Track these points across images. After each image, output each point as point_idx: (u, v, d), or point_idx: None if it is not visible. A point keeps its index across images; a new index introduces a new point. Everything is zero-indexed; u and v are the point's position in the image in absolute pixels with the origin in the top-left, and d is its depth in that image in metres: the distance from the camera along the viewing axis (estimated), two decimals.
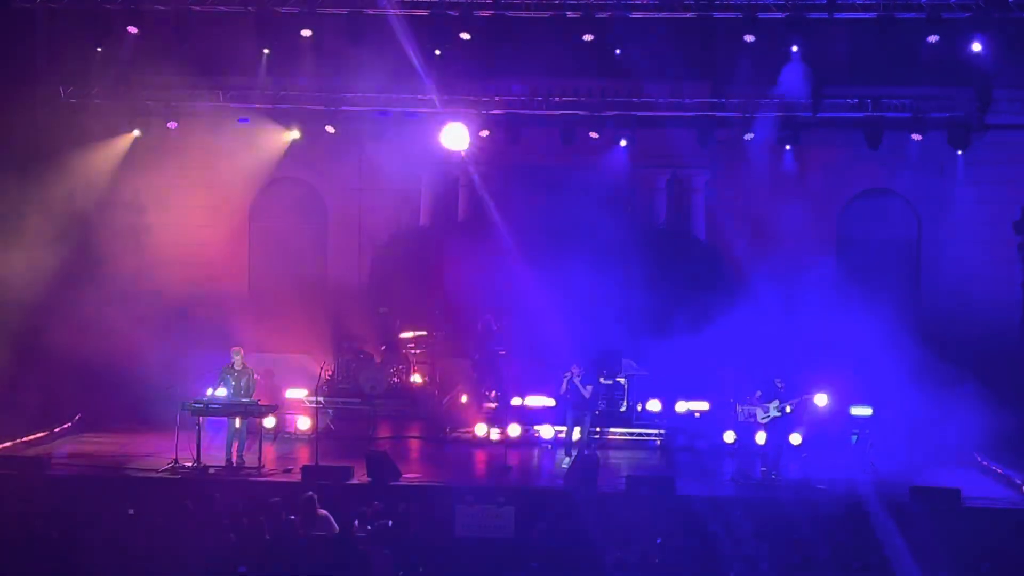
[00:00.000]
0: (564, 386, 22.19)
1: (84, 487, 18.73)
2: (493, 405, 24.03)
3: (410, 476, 20.08)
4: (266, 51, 25.13)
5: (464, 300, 24.89)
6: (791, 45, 23.91)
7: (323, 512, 17.41)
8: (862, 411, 22.81)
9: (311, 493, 17.53)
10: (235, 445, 20.71)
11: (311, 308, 25.80)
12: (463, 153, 25.69)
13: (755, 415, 20.86)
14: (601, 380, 22.81)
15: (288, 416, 23.45)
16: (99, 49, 24.81)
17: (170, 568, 15.13)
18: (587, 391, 21.98)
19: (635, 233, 26.64)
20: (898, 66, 26.15)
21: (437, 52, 24.29)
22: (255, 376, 21.07)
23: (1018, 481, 20.22)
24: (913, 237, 28.46)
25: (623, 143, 26.06)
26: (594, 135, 25.68)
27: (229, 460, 20.64)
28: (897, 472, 20.55)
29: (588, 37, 23.28)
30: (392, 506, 17.88)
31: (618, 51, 23.89)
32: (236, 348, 20.84)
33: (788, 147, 26.01)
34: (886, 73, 26.35)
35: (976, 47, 22.92)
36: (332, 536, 16.92)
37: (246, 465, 20.53)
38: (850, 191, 28.39)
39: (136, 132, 26.07)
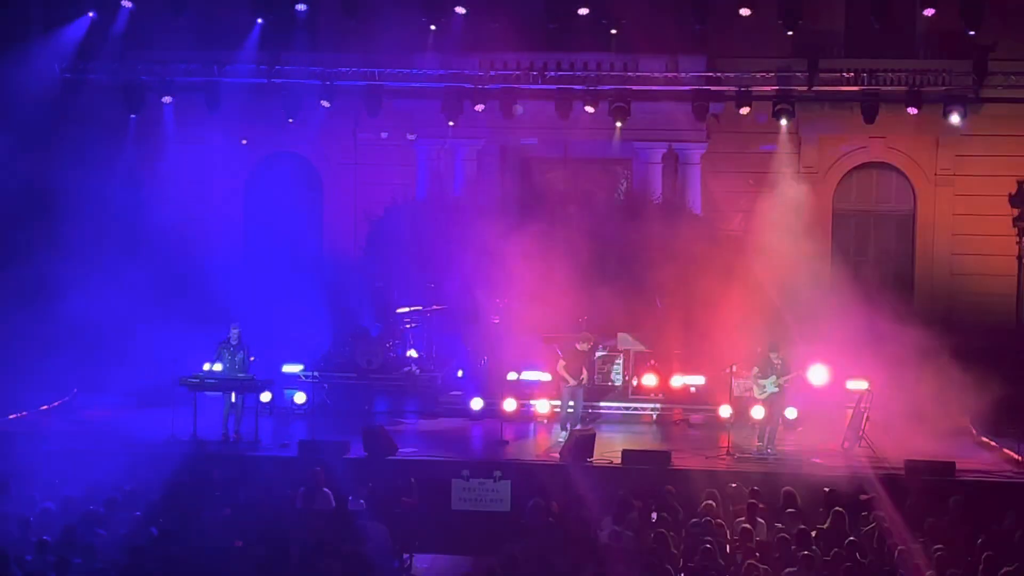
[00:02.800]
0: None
1: (81, 462, 18.73)
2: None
3: (407, 451, 20.11)
4: (259, 20, 25.04)
5: (459, 275, 24.83)
6: (786, 18, 23.84)
7: (325, 490, 17.51)
8: (858, 385, 22.83)
9: (318, 468, 17.65)
10: (231, 419, 20.78)
11: (307, 282, 25.75)
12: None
13: (752, 390, 20.90)
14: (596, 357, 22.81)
15: (284, 391, 23.47)
16: (91, 14, 24.67)
17: (166, 543, 15.17)
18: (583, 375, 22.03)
19: (631, 207, 26.60)
20: (894, 39, 26.10)
21: (432, 27, 24.19)
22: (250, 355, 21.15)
23: (1013, 454, 20.29)
24: (909, 211, 28.42)
25: (619, 121, 25.92)
26: (590, 109, 25.58)
27: (226, 434, 20.70)
28: (892, 445, 20.59)
29: (583, 11, 23.19)
30: (388, 480, 17.95)
31: (613, 31, 23.79)
32: (235, 325, 20.92)
33: (784, 121, 25.94)
34: (882, 46, 26.31)
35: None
36: (329, 511, 17.00)
37: (243, 440, 20.60)
38: (846, 165, 28.34)
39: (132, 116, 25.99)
